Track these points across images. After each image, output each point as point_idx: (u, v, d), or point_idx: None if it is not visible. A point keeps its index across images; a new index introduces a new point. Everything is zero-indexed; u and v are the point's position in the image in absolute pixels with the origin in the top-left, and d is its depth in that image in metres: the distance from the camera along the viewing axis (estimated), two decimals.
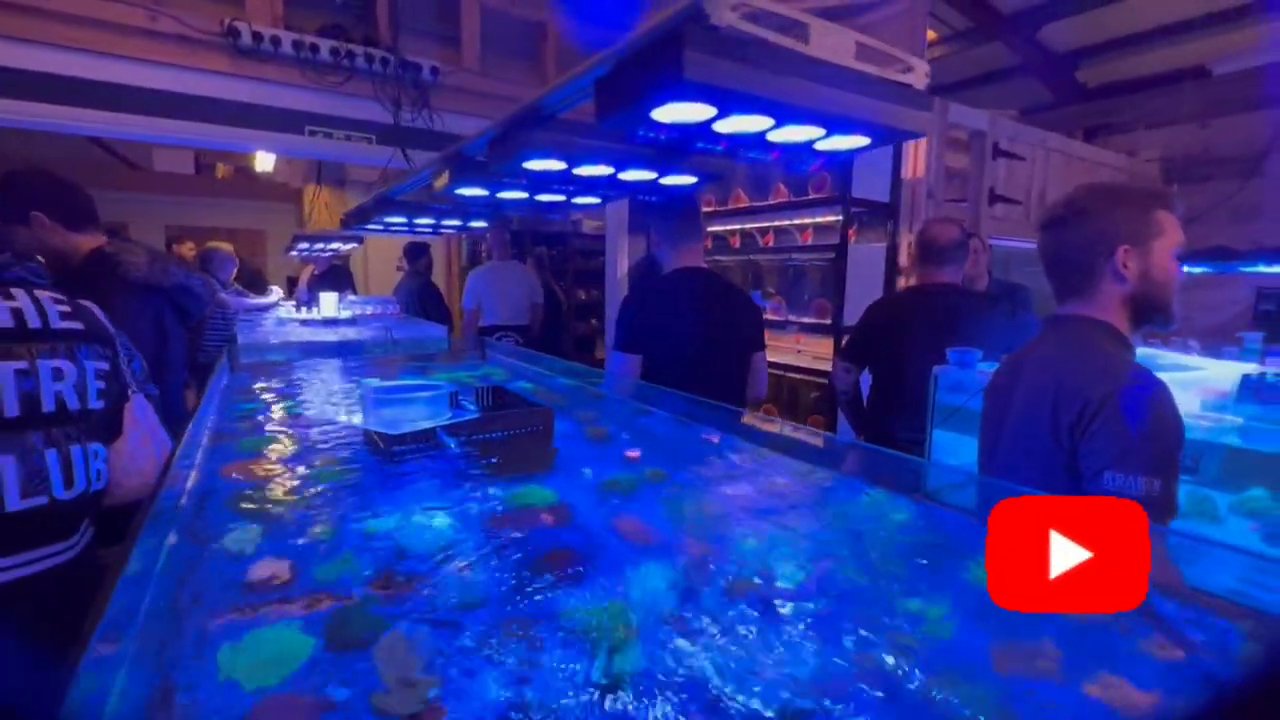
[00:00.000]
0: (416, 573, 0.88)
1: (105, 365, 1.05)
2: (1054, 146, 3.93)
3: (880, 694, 0.60)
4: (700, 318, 1.80)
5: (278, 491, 1.11)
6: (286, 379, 2.17)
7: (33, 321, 0.93)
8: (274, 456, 1.31)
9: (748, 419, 1.60)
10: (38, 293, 1.01)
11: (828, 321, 3.04)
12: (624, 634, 0.72)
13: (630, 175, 0.97)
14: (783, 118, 0.66)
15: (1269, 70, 4.32)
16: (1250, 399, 1.46)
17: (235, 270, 4.08)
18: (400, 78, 2.92)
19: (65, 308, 1.01)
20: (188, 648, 0.67)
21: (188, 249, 4.73)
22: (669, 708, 0.59)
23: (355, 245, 3.89)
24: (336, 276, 4.95)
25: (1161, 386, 1.09)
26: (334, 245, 4.12)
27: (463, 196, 1.28)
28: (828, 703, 0.59)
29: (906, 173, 3.12)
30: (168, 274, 1.88)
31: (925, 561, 0.89)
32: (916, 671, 0.63)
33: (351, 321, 3.77)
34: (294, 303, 4.29)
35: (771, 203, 3.26)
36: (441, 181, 1.15)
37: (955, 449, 1.88)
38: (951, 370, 1.81)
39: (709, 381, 1.75)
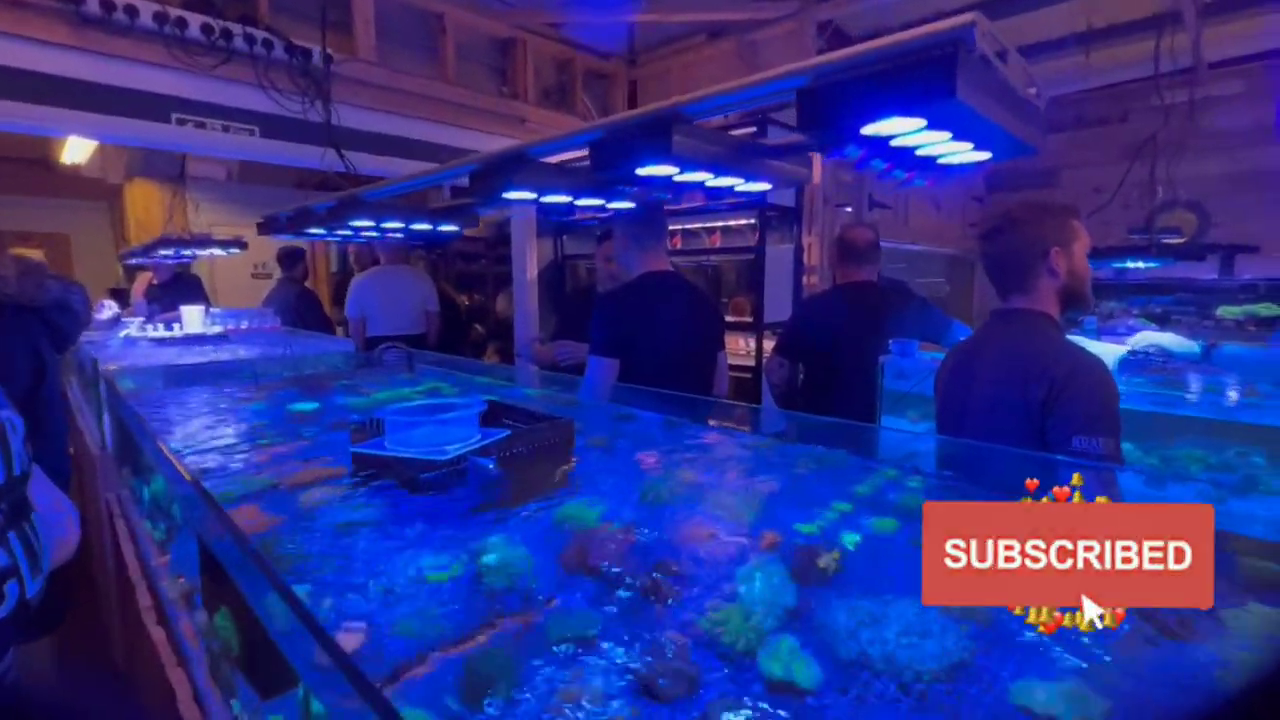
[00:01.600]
0: (522, 608, 0.82)
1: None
2: None
3: None
4: (675, 320, 1.83)
5: (298, 544, 0.96)
6: (193, 408, 1.85)
7: None
8: (263, 499, 1.13)
9: (737, 413, 1.66)
10: None
11: (749, 319, 3.21)
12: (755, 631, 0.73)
13: (723, 181, 0.96)
14: (961, 134, 0.70)
15: (1056, 99, 5.26)
16: (1130, 372, 1.80)
17: None
18: (289, 63, 2.61)
19: None
20: None
21: None
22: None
23: (237, 251, 3.37)
24: (184, 286, 4.25)
25: (1104, 363, 1.32)
26: (210, 250, 3.53)
27: (508, 201, 1.18)
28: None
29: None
30: (43, 289, 1.49)
31: None
32: None
33: (224, 338, 3.28)
34: (138, 318, 3.63)
35: (688, 206, 3.35)
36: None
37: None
38: (895, 359, 2.00)
39: (684, 382, 1.78)
